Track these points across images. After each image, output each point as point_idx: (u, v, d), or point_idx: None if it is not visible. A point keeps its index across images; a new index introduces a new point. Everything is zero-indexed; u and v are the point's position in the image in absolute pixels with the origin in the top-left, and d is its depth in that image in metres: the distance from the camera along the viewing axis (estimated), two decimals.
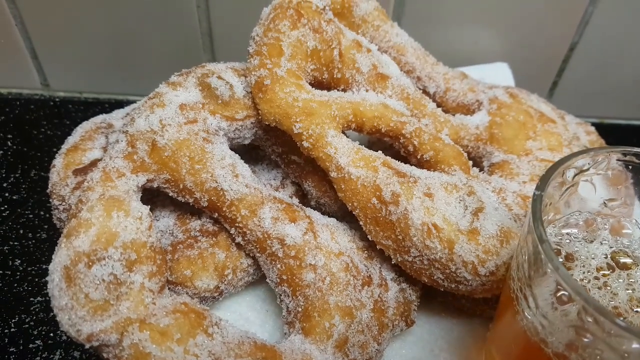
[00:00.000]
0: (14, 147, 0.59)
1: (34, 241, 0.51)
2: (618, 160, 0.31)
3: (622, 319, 0.30)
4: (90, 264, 0.30)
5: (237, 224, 0.37)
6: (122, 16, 0.58)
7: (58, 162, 0.41)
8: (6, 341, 0.43)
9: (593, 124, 0.66)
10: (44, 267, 0.48)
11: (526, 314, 0.29)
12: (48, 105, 0.64)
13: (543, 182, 0.28)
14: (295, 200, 0.42)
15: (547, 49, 0.59)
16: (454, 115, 0.45)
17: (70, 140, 0.43)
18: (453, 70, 0.51)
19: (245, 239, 0.38)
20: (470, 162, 0.41)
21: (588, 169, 0.31)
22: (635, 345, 0.24)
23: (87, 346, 0.30)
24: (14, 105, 0.65)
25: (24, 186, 0.55)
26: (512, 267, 0.31)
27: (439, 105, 0.46)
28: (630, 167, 0.32)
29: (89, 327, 0.29)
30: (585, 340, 0.26)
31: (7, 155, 0.58)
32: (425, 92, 0.46)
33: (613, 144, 0.65)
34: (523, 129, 0.43)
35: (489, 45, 0.59)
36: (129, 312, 0.30)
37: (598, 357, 0.25)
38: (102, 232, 0.31)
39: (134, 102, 0.64)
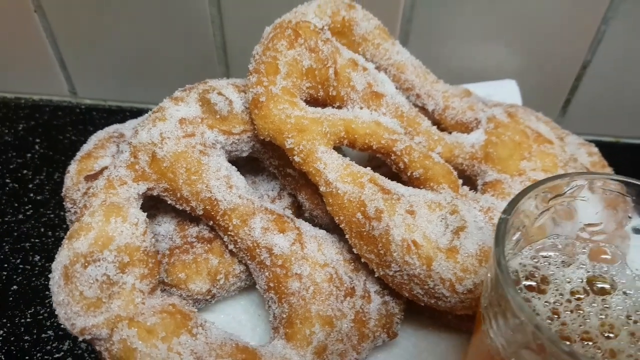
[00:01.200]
0: (41, 150, 0.65)
1: (53, 239, 0.55)
2: (600, 187, 0.32)
3: (590, 343, 0.31)
4: (86, 264, 0.34)
5: (229, 232, 0.40)
6: (143, 30, 0.62)
7: (72, 167, 0.45)
8: (22, 330, 0.48)
9: (608, 144, 0.66)
10: None
11: (490, 334, 0.30)
12: (74, 112, 0.69)
13: (510, 206, 0.30)
14: (289, 212, 0.45)
15: (559, 67, 0.60)
16: (450, 133, 0.46)
17: (85, 148, 0.47)
18: (456, 87, 0.52)
19: (237, 246, 0.40)
20: (461, 181, 0.42)
21: (564, 193, 0.32)
22: None
23: (81, 339, 0.33)
24: (44, 111, 0.70)
25: (47, 188, 0.60)
26: (484, 286, 0.33)
27: (437, 123, 0.48)
28: (607, 193, 0.32)
29: (83, 321, 0.33)
30: None
31: (34, 158, 0.64)
32: (424, 109, 0.48)
33: (627, 164, 0.64)
34: (518, 149, 0.44)
35: (499, 62, 0.60)
36: (119, 310, 0.33)
37: None
38: (100, 235, 0.35)
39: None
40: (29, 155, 0.64)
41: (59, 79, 0.69)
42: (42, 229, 0.56)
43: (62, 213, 0.57)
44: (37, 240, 0.55)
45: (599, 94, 0.62)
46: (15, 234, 0.56)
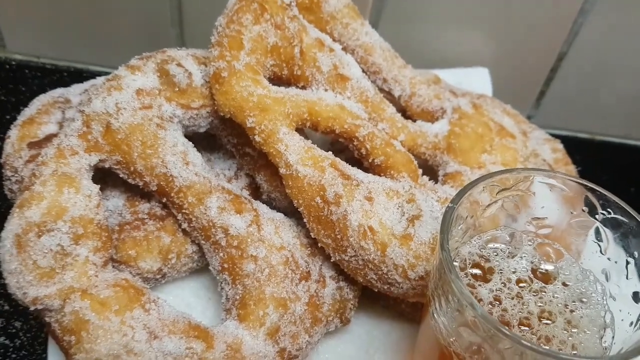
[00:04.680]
0: None
1: None
2: (540, 182, 0.41)
3: (527, 328, 0.40)
4: (40, 234, 0.40)
5: (183, 210, 0.47)
6: None
7: (13, 133, 0.51)
8: None
9: (583, 140, 0.76)
10: None
11: (435, 315, 0.39)
12: (4, 68, 0.74)
13: (458, 196, 0.38)
14: (246, 193, 0.52)
15: (534, 57, 0.69)
16: (415, 121, 0.55)
17: (27, 113, 0.52)
18: (426, 72, 0.60)
19: (191, 225, 0.47)
20: (420, 171, 0.51)
21: (511, 187, 0.41)
22: (507, 346, 0.34)
23: (32, 308, 0.40)
24: None
25: None
26: (431, 271, 0.41)
27: (403, 110, 0.56)
28: (550, 189, 0.41)
29: (35, 291, 0.39)
30: (475, 341, 0.36)
31: None
32: (390, 94, 0.56)
33: (602, 162, 0.75)
34: (480, 142, 0.52)
35: (472, 49, 0.68)
36: (72, 281, 0.40)
37: (483, 356, 0.35)
38: (53, 205, 0.41)
39: (93, 72, 0.74)
40: None
41: None
42: None
43: None
44: None
45: (575, 87, 0.72)
46: None
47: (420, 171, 0.51)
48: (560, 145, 0.59)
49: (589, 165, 0.73)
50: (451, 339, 0.38)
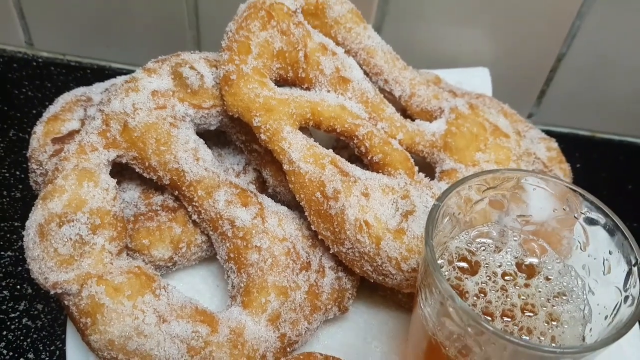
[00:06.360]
0: None
1: (8, 199, 0.64)
2: (524, 182, 0.43)
3: (510, 319, 0.42)
4: (61, 224, 0.43)
5: (194, 203, 0.50)
6: None
7: (39, 129, 0.54)
8: None
9: (584, 137, 0.77)
10: (16, 224, 0.62)
11: (421, 305, 0.41)
12: (31, 65, 0.77)
13: (444, 195, 0.40)
14: (253, 187, 0.54)
15: (534, 57, 0.70)
16: (414, 120, 0.57)
17: (52, 110, 0.55)
18: (427, 73, 0.62)
19: (200, 217, 0.50)
20: (417, 168, 0.53)
21: (496, 186, 0.43)
22: (484, 335, 0.36)
23: (52, 292, 0.43)
24: None
25: (1, 145, 0.69)
26: (420, 264, 0.43)
27: (404, 109, 0.58)
28: (534, 189, 0.43)
29: (55, 276, 0.42)
30: (455, 331, 0.38)
31: None
32: (391, 94, 0.58)
33: (601, 159, 0.76)
34: (475, 141, 0.54)
35: (473, 49, 0.70)
36: (89, 267, 0.43)
37: (463, 344, 0.38)
38: (73, 198, 0.44)
39: (114, 69, 0.77)
40: None
41: (15, 27, 0.76)
42: None
43: (17, 173, 0.66)
44: None
45: (575, 87, 0.73)
46: None
47: (416, 168, 0.53)
48: (555, 144, 0.60)
49: (589, 162, 0.74)
50: (436, 329, 0.40)
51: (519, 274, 0.44)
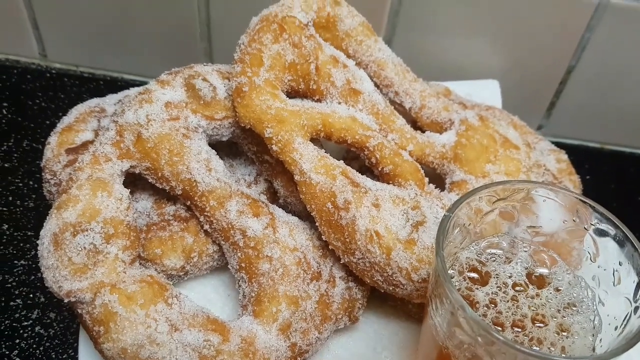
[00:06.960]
0: (9, 115, 0.74)
1: (21, 209, 0.65)
2: (534, 193, 0.43)
3: (520, 330, 0.42)
4: (75, 233, 0.44)
5: (205, 213, 0.50)
6: None
7: (53, 139, 0.55)
8: None
9: (593, 149, 0.77)
10: (29, 233, 0.62)
11: (432, 315, 0.41)
12: (44, 77, 0.78)
13: (454, 206, 0.40)
14: (264, 197, 0.55)
15: (544, 70, 0.71)
16: (424, 132, 0.57)
17: (66, 121, 0.56)
18: (437, 85, 0.63)
19: (212, 227, 0.51)
20: (427, 179, 0.53)
21: (506, 198, 0.43)
22: (495, 345, 0.36)
23: (66, 301, 0.43)
24: (11, 72, 0.79)
25: (15, 155, 0.69)
26: (431, 275, 0.44)
27: (414, 121, 0.59)
28: (544, 200, 0.43)
29: (69, 285, 0.43)
30: (466, 341, 0.38)
31: (1, 123, 0.73)
32: (401, 106, 0.58)
33: (611, 171, 0.76)
34: (485, 153, 0.54)
35: (483, 61, 0.70)
36: (103, 276, 0.44)
37: (473, 354, 0.38)
38: (87, 208, 0.45)
39: (127, 80, 0.78)
40: None
41: (29, 39, 0.78)
42: (10, 198, 0.65)
43: (31, 182, 0.67)
44: (4, 209, 0.64)
45: (584, 99, 0.73)
46: None
47: (426, 179, 0.53)
48: (564, 156, 0.60)
49: (599, 173, 0.74)
50: (447, 339, 0.40)
51: (530, 284, 0.44)
